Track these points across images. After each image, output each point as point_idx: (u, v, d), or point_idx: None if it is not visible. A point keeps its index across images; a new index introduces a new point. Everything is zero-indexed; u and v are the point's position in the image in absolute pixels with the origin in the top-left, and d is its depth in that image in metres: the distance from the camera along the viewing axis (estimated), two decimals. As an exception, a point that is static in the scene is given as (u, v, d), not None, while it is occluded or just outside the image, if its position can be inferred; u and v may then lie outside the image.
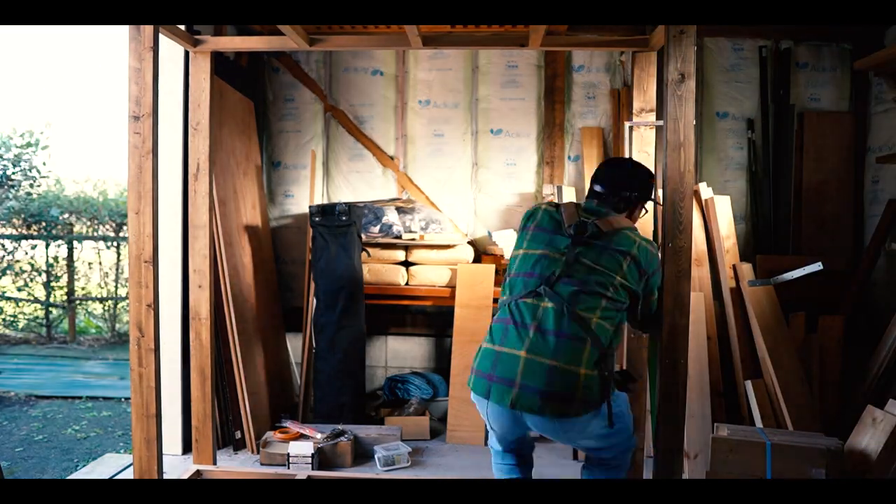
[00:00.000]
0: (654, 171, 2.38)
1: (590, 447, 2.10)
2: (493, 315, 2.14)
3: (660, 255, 2.13)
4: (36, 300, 6.46)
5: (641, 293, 2.07)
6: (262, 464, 3.09)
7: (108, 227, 6.36)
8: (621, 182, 2.18)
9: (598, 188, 2.19)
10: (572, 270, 1.97)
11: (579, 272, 1.97)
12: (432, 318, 4.05)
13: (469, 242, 3.92)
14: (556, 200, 3.59)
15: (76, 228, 6.38)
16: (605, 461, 2.16)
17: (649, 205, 2.29)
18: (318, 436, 3.16)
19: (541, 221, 2.13)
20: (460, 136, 4.07)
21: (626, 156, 2.75)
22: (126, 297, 6.34)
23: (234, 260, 3.38)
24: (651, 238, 2.28)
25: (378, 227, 3.77)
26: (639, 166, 2.30)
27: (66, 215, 6.21)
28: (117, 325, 6.47)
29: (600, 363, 1.89)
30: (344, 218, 3.52)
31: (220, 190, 3.30)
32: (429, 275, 3.80)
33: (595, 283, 1.95)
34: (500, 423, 2.01)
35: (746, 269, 3.28)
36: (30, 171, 6.22)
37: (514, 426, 2.00)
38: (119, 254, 6.43)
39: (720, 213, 3.37)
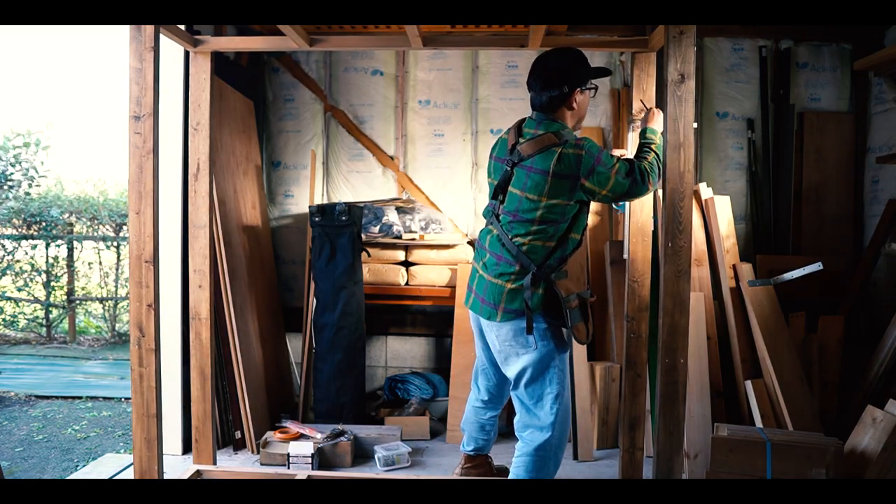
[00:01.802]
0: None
1: (515, 373, 2.30)
2: None
3: (591, 148, 2.15)
4: (36, 300, 6.45)
5: (591, 190, 2.15)
6: (262, 464, 3.10)
7: (108, 227, 6.35)
8: (544, 81, 2.24)
9: (530, 93, 2.29)
10: (507, 198, 2.25)
11: (512, 201, 2.23)
12: (432, 318, 4.05)
13: (469, 242, 3.92)
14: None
15: (76, 228, 6.37)
16: (531, 425, 2.30)
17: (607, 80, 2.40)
18: (318, 436, 3.16)
19: (498, 150, 2.36)
20: (460, 136, 4.07)
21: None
22: (126, 297, 6.33)
23: (234, 260, 3.38)
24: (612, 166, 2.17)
25: (378, 227, 3.77)
26: (558, 56, 2.31)
27: (67, 215, 6.20)
28: (117, 325, 6.46)
29: (531, 279, 2.18)
30: (344, 218, 3.52)
31: (220, 190, 3.30)
32: (429, 275, 3.80)
33: (523, 211, 2.19)
34: (473, 326, 2.46)
35: (746, 269, 3.28)
36: (28, 171, 6.20)
37: (478, 329, 2.43)
38: (119, 254, 6.42)
39: (720, 213, 3.37)
